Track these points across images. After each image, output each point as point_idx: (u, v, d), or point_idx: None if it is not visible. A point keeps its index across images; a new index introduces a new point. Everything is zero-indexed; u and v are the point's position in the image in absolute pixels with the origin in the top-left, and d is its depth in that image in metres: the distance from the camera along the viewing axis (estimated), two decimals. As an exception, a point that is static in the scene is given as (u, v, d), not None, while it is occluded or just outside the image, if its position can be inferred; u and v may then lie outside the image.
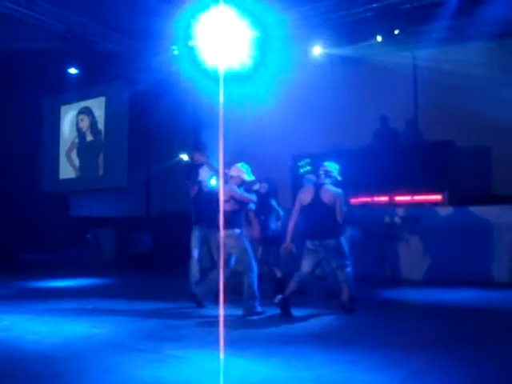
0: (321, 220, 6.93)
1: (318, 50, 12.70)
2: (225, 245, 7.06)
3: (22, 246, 15.49)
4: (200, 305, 7.42)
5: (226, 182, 7.32)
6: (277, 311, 6.94)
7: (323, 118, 12.49)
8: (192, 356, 4.90)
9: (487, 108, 10.46)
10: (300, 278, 7.00)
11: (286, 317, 6.76)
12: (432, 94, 11.65)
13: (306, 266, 6.99)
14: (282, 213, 8.38)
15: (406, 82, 12.22)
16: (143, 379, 4.20)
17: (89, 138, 17.90)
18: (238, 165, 7.49)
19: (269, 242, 8.10)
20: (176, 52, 14.24)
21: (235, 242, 7.11)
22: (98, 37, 14.21)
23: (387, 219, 10.12)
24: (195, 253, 8.02)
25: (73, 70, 15.69)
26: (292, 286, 6.95)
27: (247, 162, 7.63)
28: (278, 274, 8.16)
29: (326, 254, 7.01)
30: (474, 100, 10.62)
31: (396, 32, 11.73)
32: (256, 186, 8.06)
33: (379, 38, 11.98)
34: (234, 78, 13.68)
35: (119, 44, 14.75)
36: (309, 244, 6.98)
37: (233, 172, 7.41)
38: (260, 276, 7.74)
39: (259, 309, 7.02)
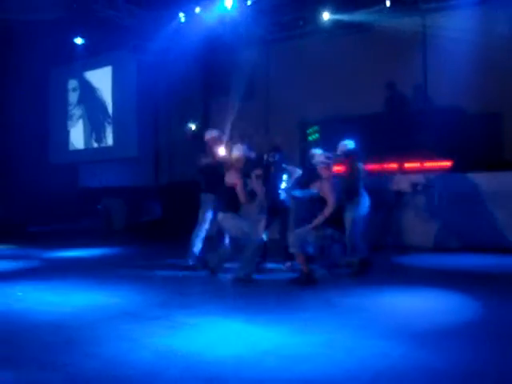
0: None
1: (326, 16, 12.52)
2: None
3: (32, 217, 15.60)
4: (213, 272, 7.48)
5: None
6: (285, 278, 7.00)
7: (331, 84, 12.37)
8: (203, 323, 4.94)
9: (497, 74, 10.33)
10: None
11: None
12: (441, 59, 11.49)
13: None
14: (299, 171, 8.26)
15: (416, 47, 12.04)
16: (154, 347, 4.24)
17: (97, 108, 17.84)
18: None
19: (278, 211, 8.08)
20: (183, 19, 14.10)
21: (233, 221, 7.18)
22: (104, 5, 14.06)
23: (396, 186, 10.10)
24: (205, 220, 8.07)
25: (79, 40, 15.61)
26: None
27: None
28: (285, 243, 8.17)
29: None
30: (484, 66, 10.49)
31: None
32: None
33: (388, 3, 11.80)
34: (243, 44, 13.69)
35: (125, 12, 14.60)
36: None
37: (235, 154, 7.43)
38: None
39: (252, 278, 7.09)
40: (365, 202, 7.77)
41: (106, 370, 3.77)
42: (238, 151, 7.40)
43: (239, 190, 7.16)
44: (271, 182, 8.07)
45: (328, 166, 7.09)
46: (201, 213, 8.20)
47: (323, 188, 6.94)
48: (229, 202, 7.22)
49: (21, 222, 14.88)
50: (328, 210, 6.82)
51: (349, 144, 8.01)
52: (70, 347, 4.29)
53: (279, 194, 8.04)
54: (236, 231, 7.19)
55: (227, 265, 7.59)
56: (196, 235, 8.15)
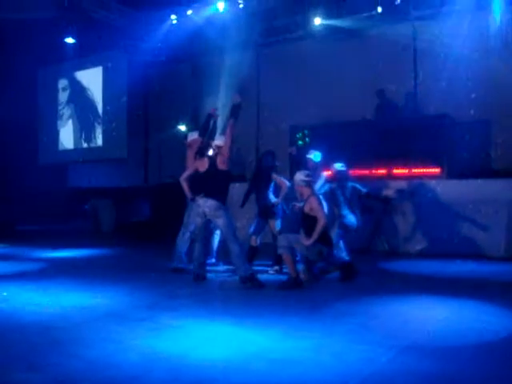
0: None
1: (318, 21, 12.57)
2: (203, 214, 7.23)
3: (21, 216, 15.52)
4: (200, 277, 7.44)
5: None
6: (273, 281, 7.00)
7: (322, 89, 12.42)
8: (189, 325, 4.93)
9: (487, 81, 10.40)
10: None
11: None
12: (432, 67, 11.57)
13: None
14: (287, 183, 8.28)
15: (406, 54, 12.12)
16: (140, 349, 4.22)
17: (87, 108, 17.79)
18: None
19: (266, 214, 8.09)
20: (175, 21, 14.12)
21: (223, 212, 7.17)
22: (95, 5, 14.05)
23: (384, 192, 10.12)
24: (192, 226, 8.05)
25: (70, 40, 15.56)
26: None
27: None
28: (253, 243, 8.20)
29: None
30: (473, 73, 10.57)
31: (396, 3, 11.64)
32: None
33: (379, 10, 11.86)
34: (234, 47, 13.72)
35: (116, 13, 14.60)
36: None
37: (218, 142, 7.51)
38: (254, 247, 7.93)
39: (253, 272, 7.08)
40: (350, 219, 7.86)
41: (92, 370, 3.76)
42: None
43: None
44: (261, 186, 8.09)
45: (308, 185, 7.03)
46: (186, 216, 8.23)
47: (312, 205, 6.87)
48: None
49: (9, 220, 14.78)
50: (319, 227, 6.72)
51: (314, 157, 8.11)
52: (56, 348, 4.27)
53: (270, 197, 8.05)
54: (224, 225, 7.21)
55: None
56: (181, 238, 8.17)
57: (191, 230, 8.00)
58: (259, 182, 8.18)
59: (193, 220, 7.76)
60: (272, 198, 8.06)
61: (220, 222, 7.15)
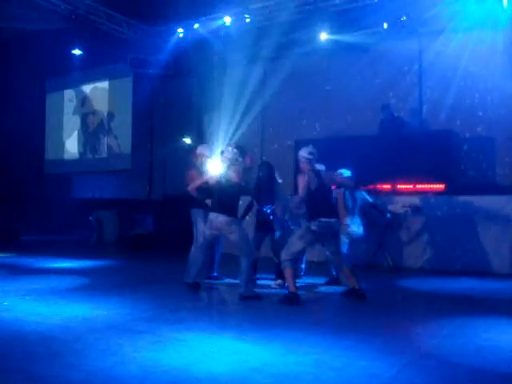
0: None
1: (324, 36, 12.62)
2: (217, 229, 7.14)
3: (25, 226, 15.53)
4: (197, 288, 7.41)
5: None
6: (274, 296, 6.97)
7: (327, 104, 12.46)
8: (191, 339, 4.90)
9: (493, 98, 10.41)
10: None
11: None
12: (437, 82, 11.59)
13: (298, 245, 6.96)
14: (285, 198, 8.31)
15: (412, 70, 12.16)
16: (141, 361, 4.20)
17: (93, 120, 17.87)
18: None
19: (266, 227, 8.08)
20: (181, 35, 14.21)
21: (235, 227, 7.11)
22: (103, 18, 14.16)
23: (389, 208, 10.11)
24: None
25: (77, 52, 15.65)
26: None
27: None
28: (277, 260, 8.17)
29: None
30: (478, 90, 10.58)
31: (402, 19, 11.69)
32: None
33: (385, 25, 11.91)
34: (239, 61, 13.79)
35: (124, 26, 14.70)
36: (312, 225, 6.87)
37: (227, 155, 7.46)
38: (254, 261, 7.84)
39: (256, 292, 7.04)
40: (354, 228, 7.92)
41: (92, 382, 3.73)
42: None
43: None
44: (260, 198, 8.08)
45: (309, 162, 7.03)
46: (195, 229, 8.14)
47: (298, 180, 6.98)
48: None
49: (14, 230, 14.80)
50: (296, 200, 7.03)
51: (345, 173, 8.13)
52: (56, 359, 4.24)
53: (268, 210, 8.03)
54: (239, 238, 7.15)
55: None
56: (194, 254, 8.02)
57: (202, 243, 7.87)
58: (259, 195, 8.15)
59: (202, 232, 7.70)
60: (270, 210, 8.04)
61: (233, 237, 7.11)
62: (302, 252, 7.15)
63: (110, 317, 5.84)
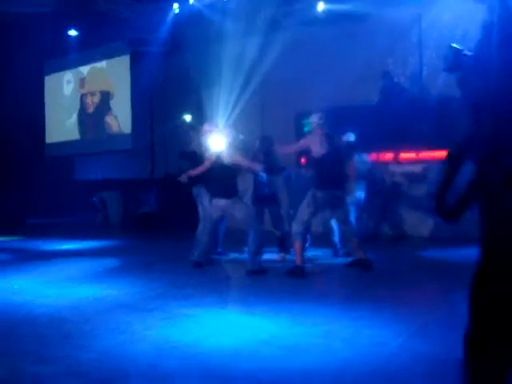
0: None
1: (321, 6, 12.49)
2: (222, 210, 7.20)
3: (29, 210, 15.57)
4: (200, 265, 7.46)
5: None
6: (280, 269, 7.00)
7: (327, 74, 12.32)
8: (200, 315, 4.94)
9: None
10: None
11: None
12: (437, 47, 11.47)
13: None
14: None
15: (411, 36, 12.04)
16: (153, 339, 4.24)
17: (92, 101, 17.79)
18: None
19: (264, 200, 8.08)
20: (177, 11, 14.09)
21: (239, 205, 7.15)
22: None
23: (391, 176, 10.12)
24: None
25: (73, 32, 15.53)
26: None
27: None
28: (278, 233, 8.20)
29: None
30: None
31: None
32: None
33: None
34: (237, 34, 13.68)
35: (120, 4, 14.56)
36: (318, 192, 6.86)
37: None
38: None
39: (262, 267, 7.07)
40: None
41: (104, 362, 3.77)
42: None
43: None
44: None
45: (320, 127, 7.08)
46: (200, 209, 8.13)
47: (301, 140, 7.29)
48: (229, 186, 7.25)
49: (19, 214, 14.83)
50: (284, 148, 7.65)
51: (349, 137, 8.16)
52: (68, 340, 4.28)
53: (264, 182, 8.02)
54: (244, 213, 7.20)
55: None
56: (202, 232, 7.94)
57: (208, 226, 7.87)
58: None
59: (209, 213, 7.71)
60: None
61: (238, 214, 7.19)
62: (311, 220, 7.06)
63: (118, 296, 5.89)
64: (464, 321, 2.75)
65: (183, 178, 7.89)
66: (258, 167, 7.36)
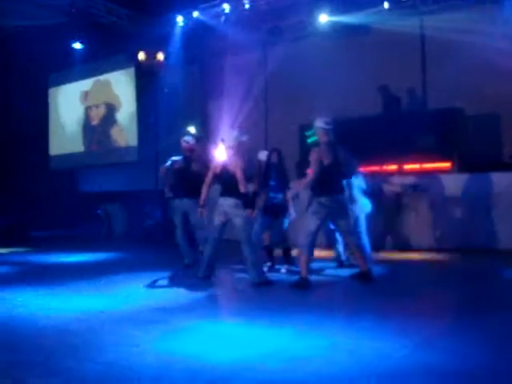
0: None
1: (324, 19, 12.56)
2: (225, 213, 7.13)
3: (34, 222, 15.60)
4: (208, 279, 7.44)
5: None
6: (285, 281, 7.00)
7: (331, 86, 12.37)
8: (203, 326, 4.94)
9: (496, 75, 10.33)
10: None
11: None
12: (440, 60, 11.52)
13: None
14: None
15: (414, 49, 12.09)
16: (157, 351, 4.23)
17: (97, 113, 17.87)
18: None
19: (274, 212, 8.10)
20: (182, 23, 14.19)
21: (242, 211, 7.09)
22: (102, 11, 14.15)
23: (393, 188, 10.11)
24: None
25: (78, 45, 15.64)
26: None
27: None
28: (266, 242, 8.25)
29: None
30: (482, 67, 10.49)
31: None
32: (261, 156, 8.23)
33: (386, 5, 11.84)
34: (242, 47, 13.77)
35: (123, 17, 14.68)
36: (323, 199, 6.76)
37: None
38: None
39: (267, 278, 7.07)
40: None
41: (109, 374, 3.77)
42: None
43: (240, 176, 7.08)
44: (270, 183, 8.10)
45: (326, 133, 6.92)
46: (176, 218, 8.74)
47: (311, 157, 6.82)
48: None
49: (23, 226, 14.86)
50: (308, 180, 6.81)
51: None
52: (72, 352, 4.29)
53: (277, 195, 8.05)
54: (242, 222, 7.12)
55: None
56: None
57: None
58: (268, 180, 8.15)
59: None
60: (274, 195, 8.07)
61: (237, 221, 7.07)
62: (318, 231, 6.92)
63: (122, 308, 5.89)
64: (471, 333, 2.75)
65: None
66: (246, 188, 7.07)
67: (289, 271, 7.91)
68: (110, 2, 14.14)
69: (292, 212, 8.10)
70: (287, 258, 8.04)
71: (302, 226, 6.88)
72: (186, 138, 9.02)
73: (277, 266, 8.17)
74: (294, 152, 11.79)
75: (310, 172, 6.78)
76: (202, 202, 7.41)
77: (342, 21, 12.49)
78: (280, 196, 8.05)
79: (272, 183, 8.08)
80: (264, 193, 8.07)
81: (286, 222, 8.12)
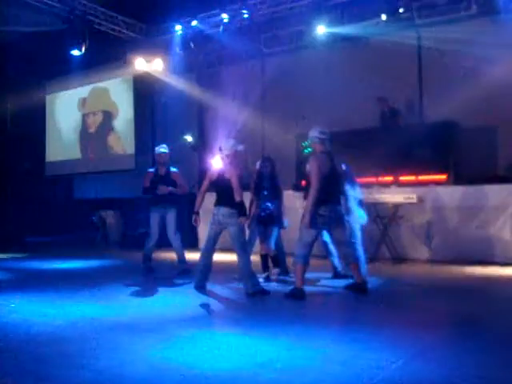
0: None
1: (322, 30, 12.60)
2: (219, 222, 7.10)
3: (29, 228, 15.57)
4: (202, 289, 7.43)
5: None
6: (279, 292, 6.99)
7: (327, 97, 12.40)
8: (198, 336, 4.92)
9: (492, 87, 10.37)
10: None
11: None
12: (436, 73, 11.58)
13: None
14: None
15: (411, 61, 12.14)
16: (151, 360, 4.22)
17: (94, 120, 17.87)
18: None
19: (267, 221, 8.10)
20: (180, 32, 14.24)
21: (236, 220, 7.04)
22: (100, 18, 14.20)
23: (390, 199, 10.11)
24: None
25: (75, 52, 15.65)
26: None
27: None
28: (263, 251, 8.24)
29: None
30: (478, 79, 10.54)
31: (400, 10, 11.69)
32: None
33: (384, 17, 11.91)
34: (239, 57, 13.82)
35: (121, 25, 14.73)
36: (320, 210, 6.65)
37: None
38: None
39: (262, 288, 7.06)
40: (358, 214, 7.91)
41: (103, 382, 3.76)
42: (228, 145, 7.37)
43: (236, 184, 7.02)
44: (262, 192, 8.10)
45: (322, 142, 6.85)
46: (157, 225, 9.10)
47: (311, 166, 6.68)
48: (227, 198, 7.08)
49: (19, 232, 14.83)
50: (313, 193, 6.56)
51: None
52: (65, 359, 4.27)
53: (270, 204, 8.06)
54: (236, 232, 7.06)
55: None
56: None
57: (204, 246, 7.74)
58: (261, 189, 8.17)
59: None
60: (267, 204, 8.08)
61: (232, 230, 7.02)
62: (314, 242, 6.86)
63: (117, 316, 5.87)
64: (466, 345, 2.75)
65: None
66: (241, 196, 6.98)
67: (278, 275, 8.01)
68: (109, 9, 14.19)
69: (285, 221, 8.13)
70: (276, 263, 8.12)
71: (298, 236, 6.83)
72: (161, 149, 9.21)
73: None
74: (290, 162, 11.80)
75: (314, 181, 6.61)
76: (196, 208, 7.38)
77: (339, 32, 12.55)
78: (271, 206, 8.05)
79: (265, 193, 8.09)
80: (257, 202, 8.11)
81: (276, 231, 8.12)
